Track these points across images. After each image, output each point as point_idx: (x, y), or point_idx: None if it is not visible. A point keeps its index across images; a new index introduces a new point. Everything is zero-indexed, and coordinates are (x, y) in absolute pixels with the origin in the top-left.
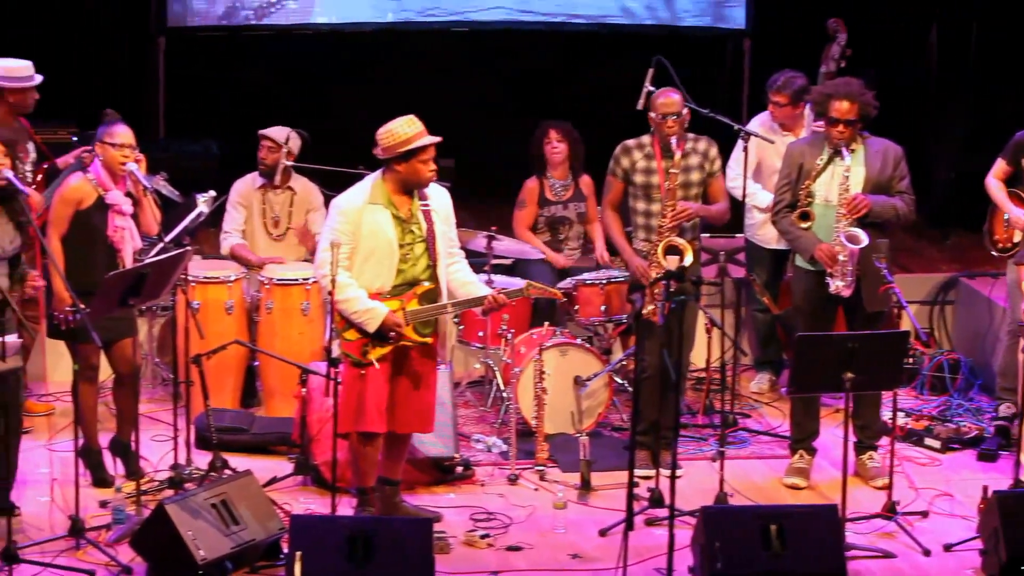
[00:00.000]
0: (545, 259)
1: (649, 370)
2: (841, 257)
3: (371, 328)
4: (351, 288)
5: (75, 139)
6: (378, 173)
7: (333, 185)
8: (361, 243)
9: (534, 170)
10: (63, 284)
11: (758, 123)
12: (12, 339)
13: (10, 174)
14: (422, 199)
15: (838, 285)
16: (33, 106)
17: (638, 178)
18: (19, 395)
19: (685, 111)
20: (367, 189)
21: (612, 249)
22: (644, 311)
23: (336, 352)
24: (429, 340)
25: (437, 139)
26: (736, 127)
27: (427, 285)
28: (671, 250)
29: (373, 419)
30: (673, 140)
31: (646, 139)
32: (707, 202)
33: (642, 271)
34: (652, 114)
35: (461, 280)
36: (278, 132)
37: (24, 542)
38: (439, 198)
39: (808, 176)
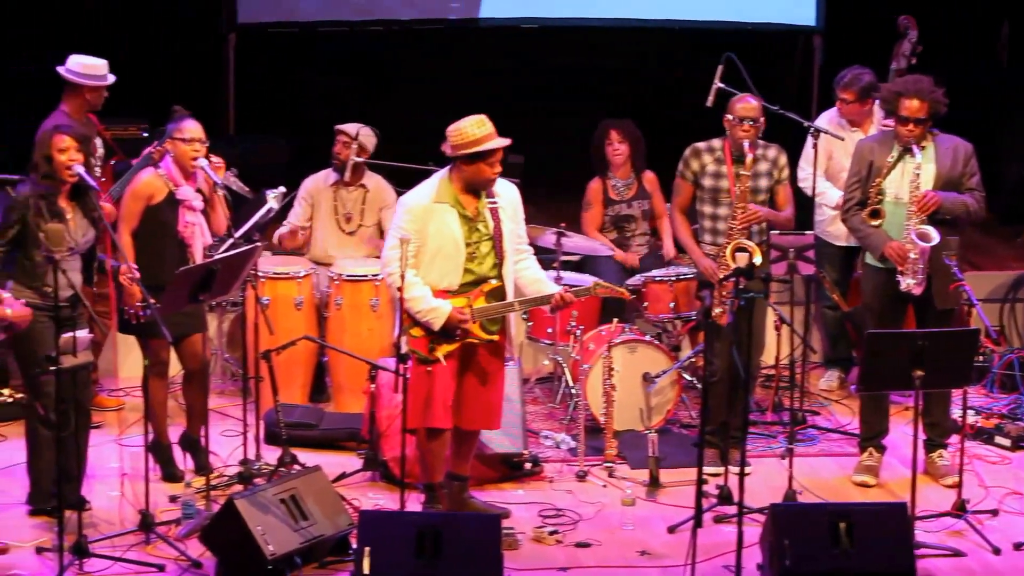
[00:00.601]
0: (614, 256)
1: (718, 374)
2: (912, 255)
3: (436, 326)
4: (416, 287)
5: (145, 135)
6: (445, 171)
7: (405, 182)
8: (427, 241)
9: (596, 170)
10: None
11: (826, 120)
12: (83, 334)
13: (81, 169)
14: (490, 196)
15: (909, 283)
16: (102, 104)
17: (707, 181)
18: (89, 390)
19: (762, 118)
20: (434, 187)
21: (679, 247)
22: (712, 314)
23: (405, 348)
24: (495, 337)
25: (505, 142)
26: (805, 124)
27: (494, 283)
28: (740, 251)
29: (440, 415)
30: (746, 144)
31: (716, 143)
32: (774, 209)
33: (711, 271)
34: (729, 116)
35: (530, 277)
36: (351, 127)
37: (94, 536)
38: (508, 195)
39: (878, 173)
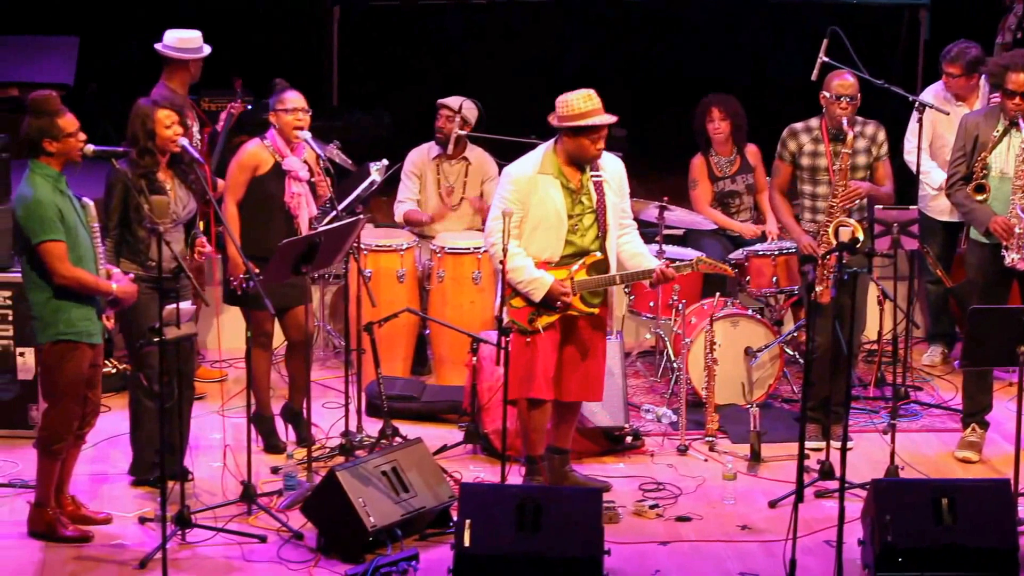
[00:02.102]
0: (717, 230)
1: (819, 351)
2: (1017, 229)
3: (537, 297)
4: (519, 257)
5: (250, 107)
6: (550, 143)
7: (507, 156)
8: (530, 213)
9: (699, 146)
10: (238, 250)
11: (932, 94)
12: (187, 305)
13: (185, 142)
14: (594, 170)
15: (1014, 258)
16: (199, 75)
17: (805, 161)
18: (193, 362)
19: (859, 95)
20: (538, 159)
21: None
22: (814, 293)
23: (506, 320)
24: (596, 311)
25: (611, 119)
26: (911, 98)
27: (596, 256)
28: (842, 228)
29: (541, 386)
30: (844, 121)
31: (814, 122)
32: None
33: (812, 249)
34: (825, 94)
35: (631, 252)
36: (453, 101)
37: (197, 507)
38: (613, 168)
39: (983, 148)
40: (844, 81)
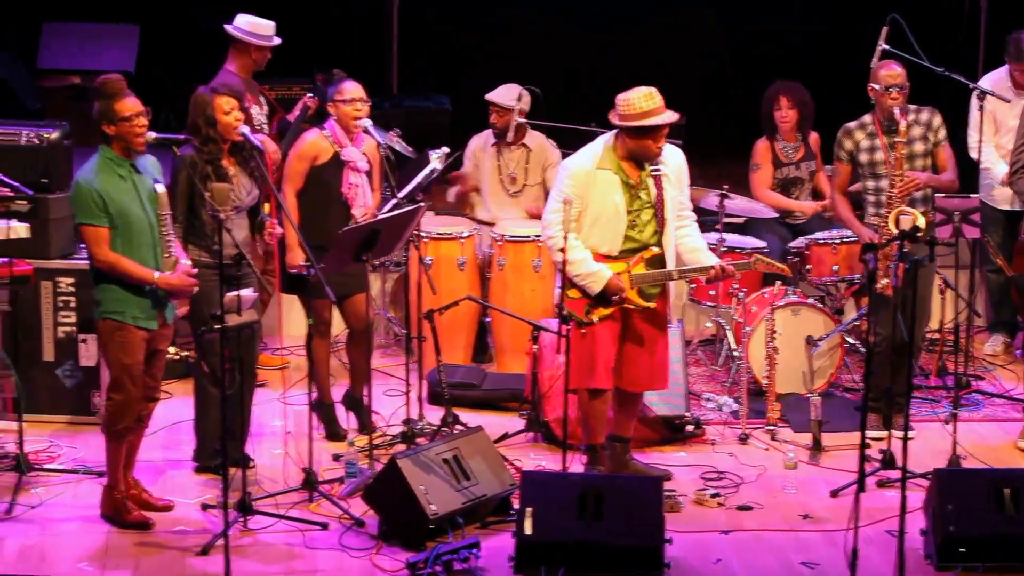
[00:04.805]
0: (778, 219)
1: (882, 344)
2: None
3: (594, 291)
4: (577, 250)
5: (311, 95)
6: (610, 136)
7: (567, 142)
8: (589, 207)
9: (764, 131)
10: (297, 239)
11: (990, 81)
12: (248, 293)
13: (246, 129)
14: (653, 163)
15: None
16: (265, 64)
17: (863, 157)
18: (255, 349)
19: (908, 83)
20: (597, 153)
21: None
22: (877, 285)
23: (566, 310)
24: (653, 304)
25: (673, 118)
26: (971, 86)
27: (654, 250)
28: (903, 217)
29: (602, 376)
30: (896, 111)
31: (867, 118)
32: (935, 173)
33: (872, 239)
34: (874, 86)
35: (690, 246)
36: (506, 93)
37: (259, 494)
38: (673, 161)
39: None
40: (892, 71)
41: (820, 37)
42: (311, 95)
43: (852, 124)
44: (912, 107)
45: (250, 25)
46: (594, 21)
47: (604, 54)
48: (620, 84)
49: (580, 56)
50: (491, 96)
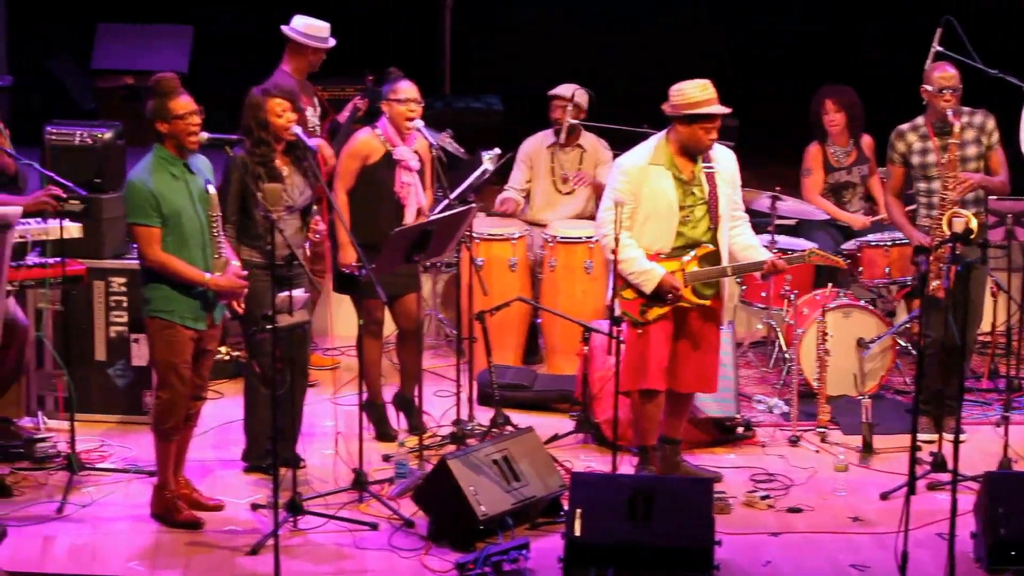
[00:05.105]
0: (830, 220)
1: (933, 347)
2: None
3: (648, 289)
4: (630, 248)
5: (360, 96)
6: (662, 133)
7: (619, 145)
8: (642, 204)
9: (815, 136)
10: (349, 238)
11: None
12: (300, 293)
13: (298, 129)
14: (706, 161)
15: None
16: (320, 66)
17: (915, 159)
18: (306, 349)
19: (961, 85)
20: (650, 149)
21: None
22: (929, 288)
23: (618, 311)
24: (707, 302)
25: (725, 110)
26: None
27: (707, 247)
28: (955, 219)
29: (655, 377)
30: (950, 113)
31: (919, 120)
32: (988, 175)
33: (924, 241)
34: (927, 88)
35: (742, 244)
36: (564, 89)
37: (308, 494)
38: (725, 160)
39: None
40: (945, 73)
41: (878, 41)
42: (361, 96)
43: (904, 126)
44: (965, 109)
45: (306, 27)
46: (645, 23)
47: (653, 57)
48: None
49: (633, 59)
50: (554, 91)
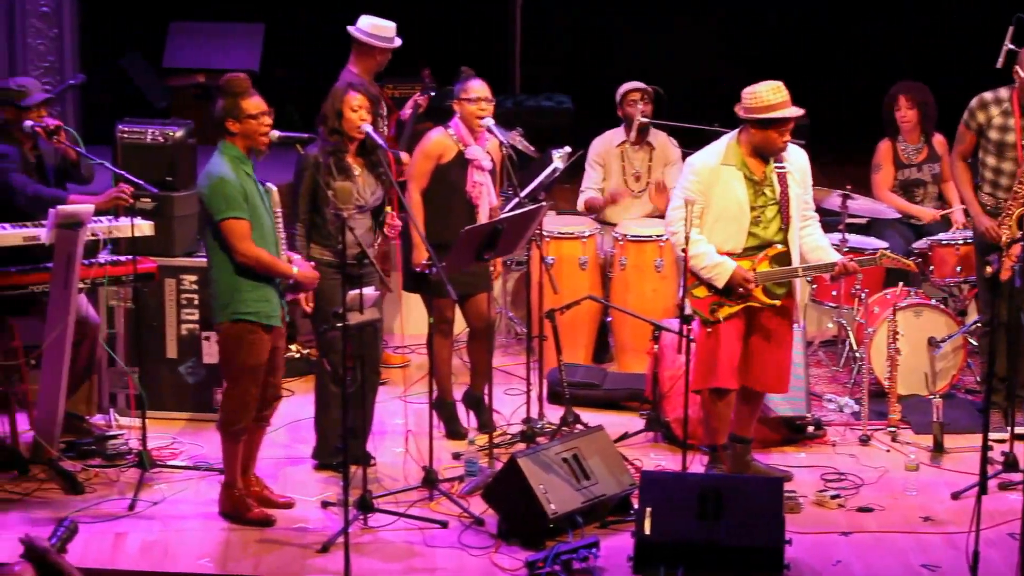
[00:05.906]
0: (901, 219)
1: (990, 325)
2: None
3: (720, 283)
4: (701, 243)
5: (420, 93)
6: (734, 133)
7: (690, 143)
8: (712, 203)
9: (887, 132)
10: (421, 237)
11: None
12: (370, 291)
13: (369, 128)
14: (778, 161)
15: None
16: (385, 66)
17: (992, 134)
18: (377, 347)
19: None
20: (722, 149)
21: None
22: (988, 268)
23: (688, 309)
24: (778, 302)
25: (798, 112)
26: None
27: (778, 248)
28: None
29: (726, 376)
30: None
31: (1004, 93)
32: None
33: (992, 233)
34: (1021, 71)
35: (812, 244)
36: (637, 85)
37: (379, 492)
38: (796, 159)
39: None
40: None
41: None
42: (421, 93)
43: (988, 96)
44: None
45: (372, 27)
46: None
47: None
48: (742, 82)
49: (705, 58)
50: (625, 86)
